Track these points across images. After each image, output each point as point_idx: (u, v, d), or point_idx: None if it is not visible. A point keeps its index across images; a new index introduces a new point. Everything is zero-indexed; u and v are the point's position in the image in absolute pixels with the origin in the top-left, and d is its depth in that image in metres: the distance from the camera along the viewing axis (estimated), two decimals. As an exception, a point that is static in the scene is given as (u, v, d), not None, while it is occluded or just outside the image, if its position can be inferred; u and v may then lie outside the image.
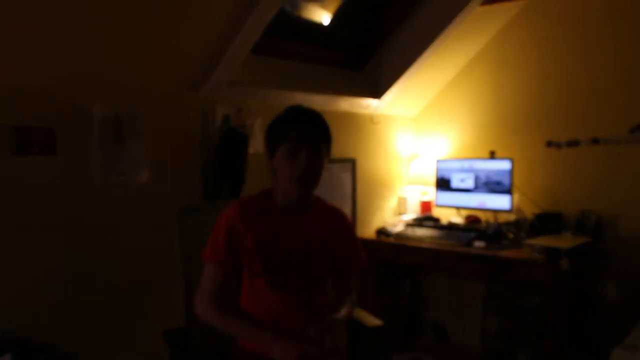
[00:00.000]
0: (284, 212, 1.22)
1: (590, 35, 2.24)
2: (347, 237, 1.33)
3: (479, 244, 2.10)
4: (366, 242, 2.43)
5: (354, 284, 1.34)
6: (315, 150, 1.18)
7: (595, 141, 2.27)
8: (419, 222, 2.45)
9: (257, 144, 1.99)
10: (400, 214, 2.69)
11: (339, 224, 1.32)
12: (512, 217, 2.31)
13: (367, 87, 2.46)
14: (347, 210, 2.46)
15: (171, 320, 1.43)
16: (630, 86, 2.15)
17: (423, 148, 2.78)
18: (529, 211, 2.31)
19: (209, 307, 1.16)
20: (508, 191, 2.30)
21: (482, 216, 2.44)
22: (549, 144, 2.39)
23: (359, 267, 1.35)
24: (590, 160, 2.24)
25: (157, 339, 1.39)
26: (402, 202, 2.69)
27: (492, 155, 2.40)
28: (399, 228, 2.42)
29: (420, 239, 2.26)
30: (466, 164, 2.45)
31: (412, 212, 2.64)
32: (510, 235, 2.17)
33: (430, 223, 2.42)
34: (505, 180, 2.31)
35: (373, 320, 1.46)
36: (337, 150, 2.42)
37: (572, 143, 2.33)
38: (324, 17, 2.08)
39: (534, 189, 2.35)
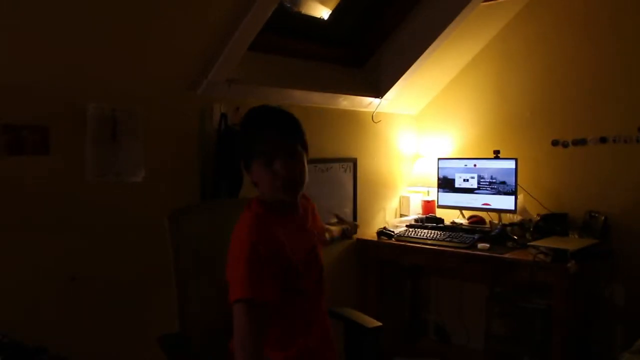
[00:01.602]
0: (284, 217, 1.20)
1: (598, 31, 2.20)
2: (317, 217, 1.39)
3: (482, 245, 2.06)
4: (367, 243, 2.40)
5: None
6: (291, 155, 1.12)
7: (602, 140, 2.24)
8: (421, 223, 2.41)
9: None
10: (402, 214, 2.65)
11: (312, 210, 1.34)
12: (516, 218, 2.27)
13: (368, 85, 2.43)
14: (348, 210, 2.43)
15: (168, 324, 1.40)
16: (638, 83, 2.10)
17: (425, 147, 2.75)
18: (534, 212, 2.28)
19: None
20: (513, 191, 2.26)
21: (486, 217, 2.40)
22: (555, 143, 2.36)
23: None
24: (598, 160, 2.20)
25: (153, 343, 1.36)
26: (404, 203, 2.66)
27: (497, 155, 2.36)
28: (400, 229, 2.38)
29: (422, 241, 2.22)
30: (470, 164, 2.41)
31: (414, 213, 2.61)
32: (515, 237, 2.13)
33: (433, 224, 2.38)
34: (510, 180, 2.27)
35: (372, 322, 1.45)
36: (337, 150, 2.42)
37: (579, 142, 2.30)
38: (323, 13, 2.05)
39: (539, 189, 2.32)
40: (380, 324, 1.43)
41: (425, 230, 2.30)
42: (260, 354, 1.04)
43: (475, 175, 2.38)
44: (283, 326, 1.17)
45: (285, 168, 1.09)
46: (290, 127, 1.14)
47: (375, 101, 2.43)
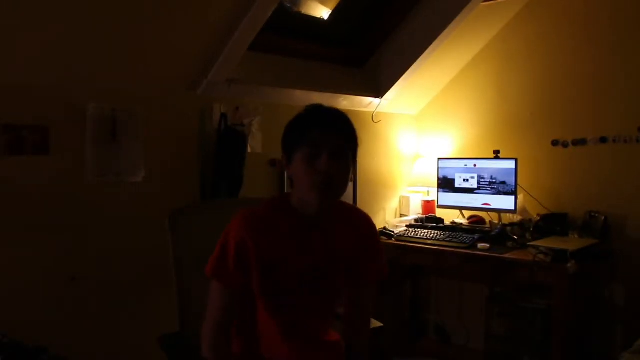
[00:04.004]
0: (299, 223, 1.08)
1: (598, 30, 2.20)
2: (370, 245, 1.19)
3: (482, 245, 2.06)
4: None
5: (368, 301, 1.22)
6: (338, 154, 1.03)
7: (602, 140, 2.24)
8: (421, 223, 2.41)
9: (255, 143, 1.96)
10: (402, 214, 2.65)
11: (362, 231, 1.18)
12: (516, 218, 2.27)
13: (368, 85, 2.43)
14: (348, 210, 2.42)
15: (168, 324, 1.40)
16: (638, 83, 2.10)
17: (425, 147, 2.75)
18: (534, 212, 2.27)
19: (214, 344, 1.06)
20: (513, 191, 2.26)
21: (486, 217, 2.40)
22: (555, 143, 2.36)
23: (375, 278, 1.20)
24: (598, 160, 2.19)
25: (152, 342, 1.36)
26: (404, 203, 2.66)
27: (497, 155, 2.36)
28: (400, 229, 2.38)
29: (422, 241, 2.22)
30: (470, 164, 2.41)
31: (414, 213, 2.61)
32: (515, 237, 2.13)
33: (433, 224, 2.38)
34: (510, 180, 2.27)
35: (373, 322, 1.44)
36: (338, 150, 2.41)
37: (579, 142, 2.30)
38: (323, 13, 2.05)
39: (539, 189, 2.31)
40: (381, 324, 1.43)
41: (425, 230, 2.30)
42: (221, 328, 1.07)
43: (475, 175, 2.38)
44: (263, 335, 1.10)
45: (327, 166, 1.01)
46: (343, 127, 1.07)
47: (375, 101, 2.43)
